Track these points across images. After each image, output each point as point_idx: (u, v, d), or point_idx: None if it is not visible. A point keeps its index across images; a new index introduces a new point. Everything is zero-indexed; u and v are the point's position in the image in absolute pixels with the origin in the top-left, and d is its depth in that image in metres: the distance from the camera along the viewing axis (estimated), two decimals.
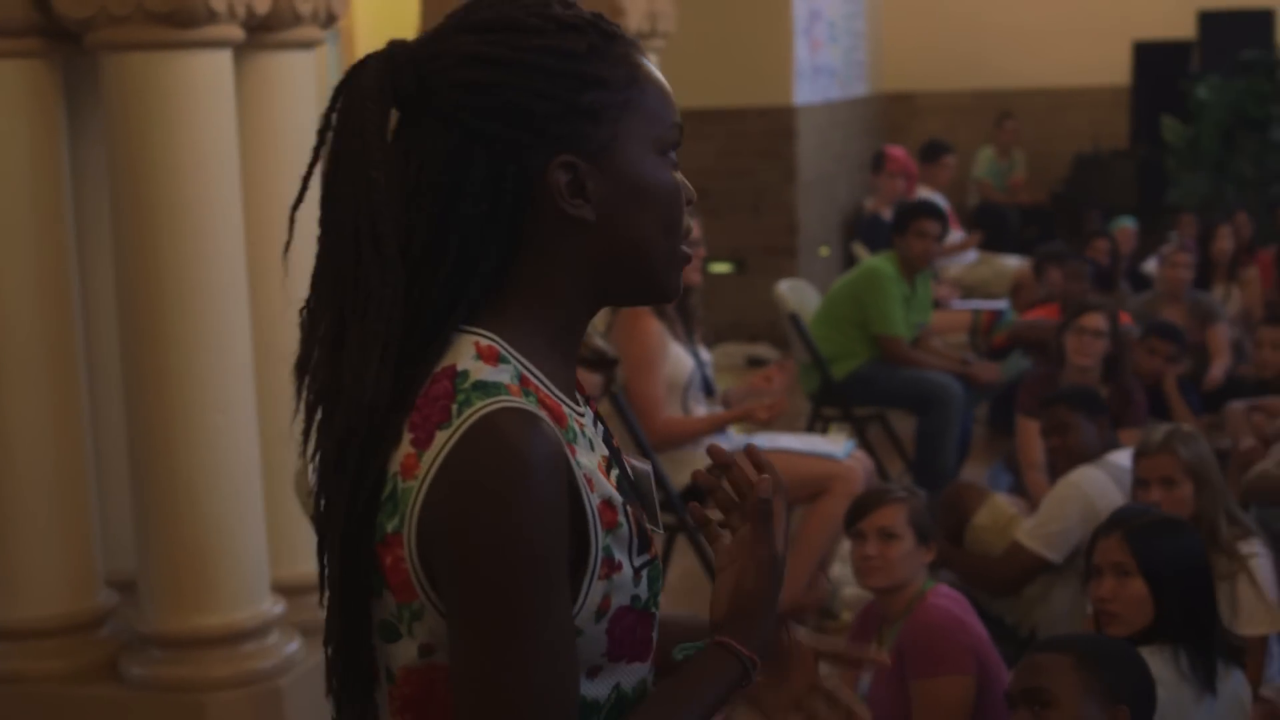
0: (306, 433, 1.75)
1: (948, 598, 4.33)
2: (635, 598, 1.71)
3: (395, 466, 1.63)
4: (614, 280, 1.76)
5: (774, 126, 11.90)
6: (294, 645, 5.02)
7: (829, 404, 7.81)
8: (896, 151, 11.53)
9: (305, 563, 5.25)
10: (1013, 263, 11.16)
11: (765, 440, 6.24)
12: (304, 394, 1.73)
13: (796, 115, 11.96)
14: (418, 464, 1.61)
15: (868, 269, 7.90)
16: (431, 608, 1.63)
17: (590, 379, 4.63)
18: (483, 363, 1.66)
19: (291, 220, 1.78)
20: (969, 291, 10.77)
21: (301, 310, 1.74)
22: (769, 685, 1.90)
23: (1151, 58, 14.26)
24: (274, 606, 4.99)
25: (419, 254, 1.67)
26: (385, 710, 1.72)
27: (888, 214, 10.25)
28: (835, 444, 6.41)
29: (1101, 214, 12.82)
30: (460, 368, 1.65)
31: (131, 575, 5.02)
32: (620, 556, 1.69)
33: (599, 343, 4.74)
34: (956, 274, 11.18)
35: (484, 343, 1.68)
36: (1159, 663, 3.72)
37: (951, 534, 5.67)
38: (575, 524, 1.64)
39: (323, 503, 1.71)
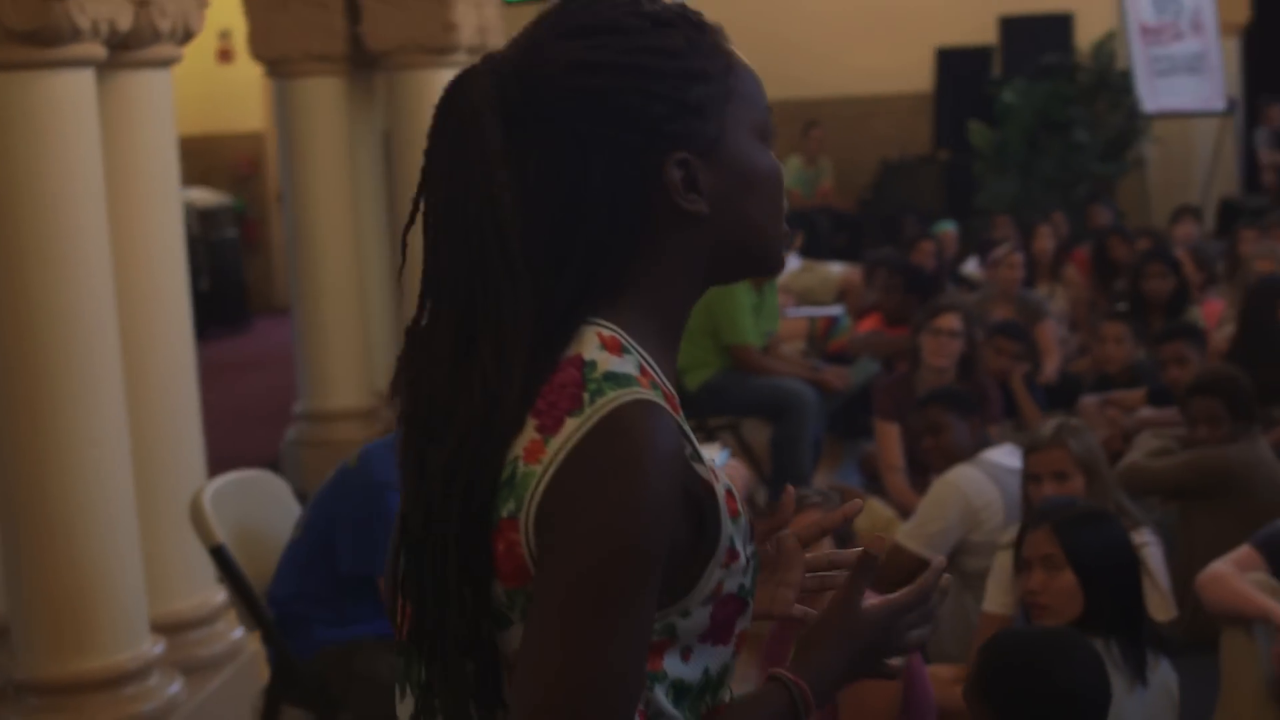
0: (409, 451, 1.72)
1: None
2: (742, 586, 1.73)
3: (517, 451, 1.63)
4: (725, 264, 1.77)
5: None
6: (176, 686, 4.86)
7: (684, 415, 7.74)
8: None
9: (183, 599, 5.07)
10: (836, 269, 11.23)
11: None
12: (412, 409, 1.71)
13: None
14: (544, 449, 1.62)
15: None
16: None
17: None
18: (608, 353, 1.66)
19: (404, 244, 1.76)
20: (798, 299, 10.81)
21: (412, 326, 1.72)
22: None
23: (954, 64, 14.50)
24: (154, 647, 4.82)
25: (540, 261, 1.67)
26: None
27: None
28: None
29: (917, 219, 13.00)
30: (587, 358, 1.65)
31: (3, 620, 4.80)
32: (739, 546, 1.71)
33: None
34: (783, 281, 11.19)
35: (606, 334, 1.68)
36: None
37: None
38: (699, 512, 1.66)
39: (429, 510, 1.68)
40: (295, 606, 4.47)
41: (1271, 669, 4.58)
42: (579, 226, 1.67)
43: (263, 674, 5.10)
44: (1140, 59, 13.18)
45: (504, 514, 1.63)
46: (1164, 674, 4.00)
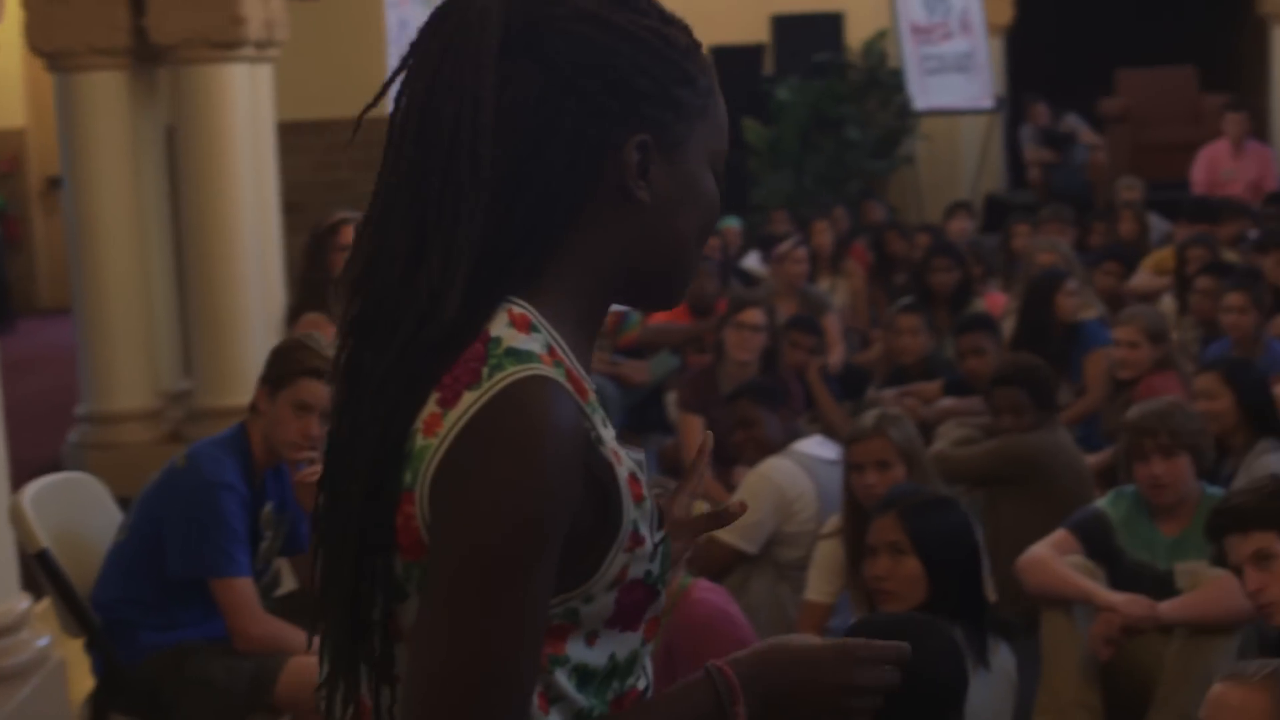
0: (346, 359, 1.71)
1: (710, 591, 4.30)
2: (649, 573, 1.72)
3: (418, 423, 1.63)
4: (639, 274, 1.76)
5: (370, 137, 11.67)
6: None
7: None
8: None
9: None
10: None
11: None
12: (359, 310, 1.69)
13: None
14: (441, 423, 1.62)
15: None
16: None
17: (325, 391, 4.43)
18: (515, 330, 1.65)
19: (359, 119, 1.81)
20: None
21: (364, 226, 1.72)
22: None
23: (725, 61, 14.59)
24: None
25: (495, 188, 1.65)
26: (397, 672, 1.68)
27: None
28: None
29: None
30: (494, 334, 1.65)
31: None
32: (644, 531, 1.70)
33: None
34: None
35: (517, 311, 1.68)
36: None
37: None
38: (603, 496, 1.66)
39: (349, 446, 1.68)
40: (121, 611, 4.34)
41: (1085, 649, 4.71)
42: (535, 165, 1.67)
43: (75, 682, 4.94)
44: (911, 58, 13.45)
45: (402, 486, 1.63)
46: (1004, 657, 4.08)
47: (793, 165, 13.56)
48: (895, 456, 4.96)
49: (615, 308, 6.07)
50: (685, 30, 1.77)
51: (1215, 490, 5.04)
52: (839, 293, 10.20)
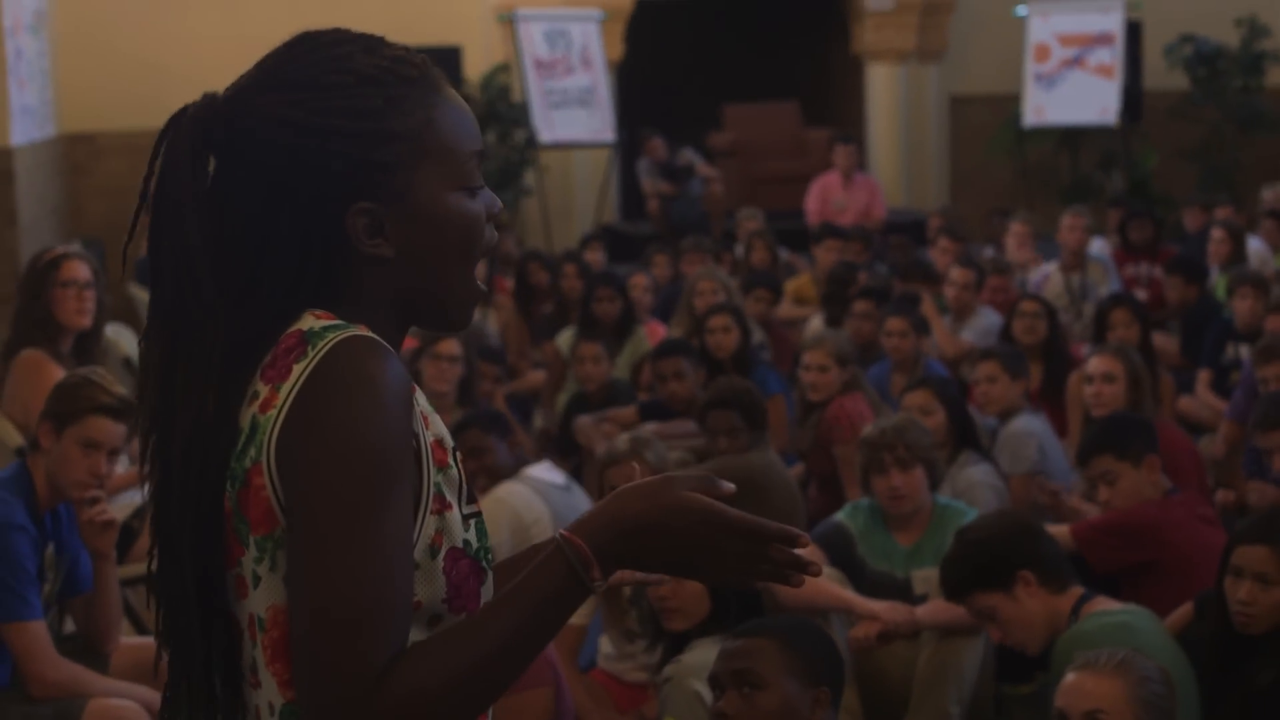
0: (144, 455, 1.86)
1: None
2: (466, 543, 1.83)
3: (253, 410, 1.77)
4: (414, 308, 1.90)
5: None
6: None
7: None
8: None
9: None
10: None
11: None
12: (141, 421, 1.86)
13: (13, 156, 11.43)
14: (276, 395, 1.76)
15: None
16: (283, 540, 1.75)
17: (114, 428, 4.35)
18: (324, 320, 1.82)
19: (124, 257, 1.95)
20: None
21: (140, 343, 1.88)
22: None
23: None
24: None
25: (238, 287, 1.82)
26: (259, 672, 1.79)
27: None
28: None
29: None
30: (306, 328, 1.80)
31: None
32: (450, 498, 1.82)
33: (123, 391, 4.44)
34: None
35: (320, 311, 1.83)
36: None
37: None
38: (416, 454, 1.79)
39: (169, 507, 1.81)
40: None
41: (849, 654, 4.96)
42: (271, 261, 1.82)
43: None
44: (535, 92, 13.69)
45: (248, 464, 1.76)
46: None
47: None
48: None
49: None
50: (390, 75, 1.85)
51: (945, 500, 5.38)
52: (490, 323, 10.33)
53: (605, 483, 5.18)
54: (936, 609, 4.95)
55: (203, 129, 1.82)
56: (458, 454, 1.86)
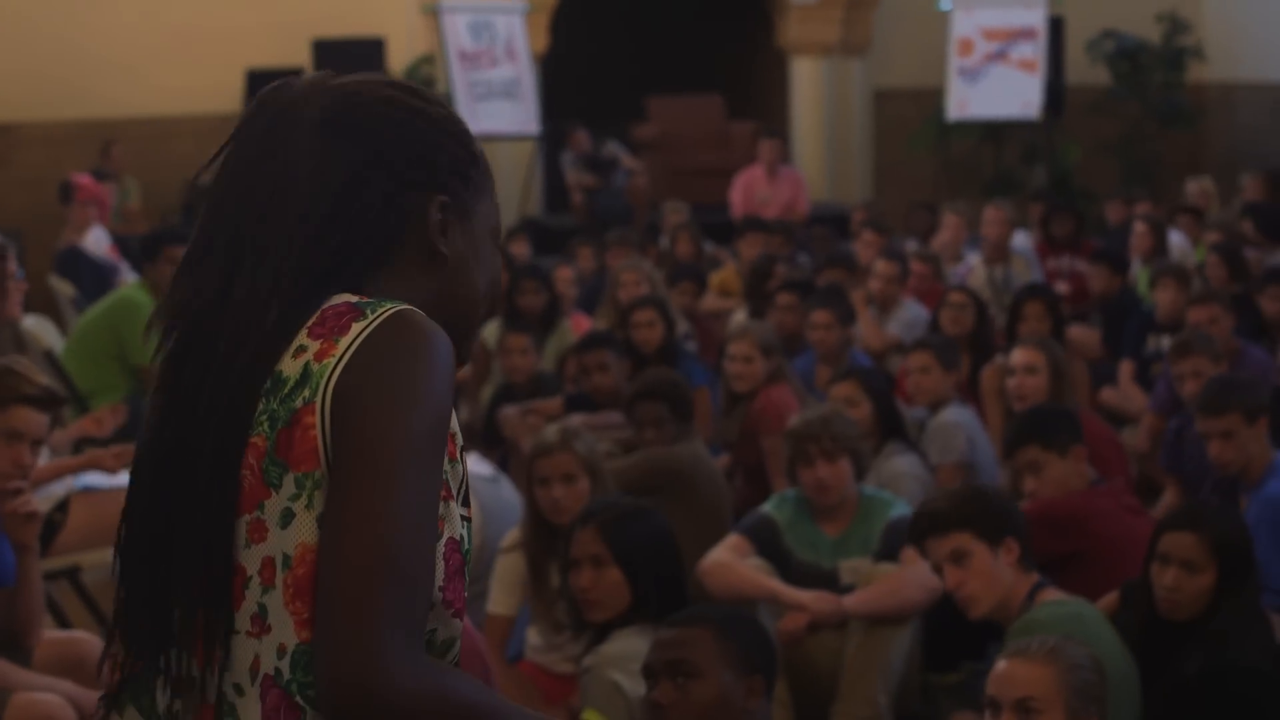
0: (172, 372, 1.90)
1: None
2: (461, 539, 1.90)
3: (303, 360, 1.83)
4: (441, 321, 1.93)
5: None
6: None
7: (92, 442, 7.47)
8: (84, 180, 11.13)
9: None
10: None
11: (98, 479, 5.94)
12: (182, 332, 1.91)
13: None
14: (334, 347, 1.83)
15: (121, 300, 7.65)
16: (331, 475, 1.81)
17: (37, 419, 4.29)
18: (367, 299, 1.90)
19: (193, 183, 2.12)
20: None
21: (183, 266, 1.93)
22: None
23: (263, 85, 14.41)
24: None
25: (312, 232, 1.91)
26: (269, 616, 1.82)
27: (87, 243, 9.93)
28: None
29: None
30: (354, 300, 1.89)
31: None
32: (454, 488, 1.89)
33: (46, 381, 4.38)
34: None
35: (354, 297, 1.91)
36: (640, 642, 3.94)
37: None
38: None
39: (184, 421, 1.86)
40: None
41: (778, 645, 4.97)
42: (345, 219, 1.92)
43: None
44: (460, 83, 13.62)
45: (298, 404, 1.82)
46: None
47: None
48: (580, 469, 5.11)
49: None
50: (465, 125, 2.06)
51: (872, 490, 5.39)
52: None
53: (534, 474, 5.15)
54: (864, 599, 4.96)
55: (319, 92, 1.95)
56: (463, 453, 1.93)
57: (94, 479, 5.98)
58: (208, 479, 1.83)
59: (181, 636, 1.85)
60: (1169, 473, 6.41)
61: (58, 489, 5.70)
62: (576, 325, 9.20)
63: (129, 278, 10.21)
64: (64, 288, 10.17)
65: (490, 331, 8.80)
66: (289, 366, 1.83)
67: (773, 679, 3.55)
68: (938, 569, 4.38)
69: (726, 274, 10.59)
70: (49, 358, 7.41)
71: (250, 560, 1.83)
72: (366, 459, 1.77)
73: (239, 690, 1.83)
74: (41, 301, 10.40)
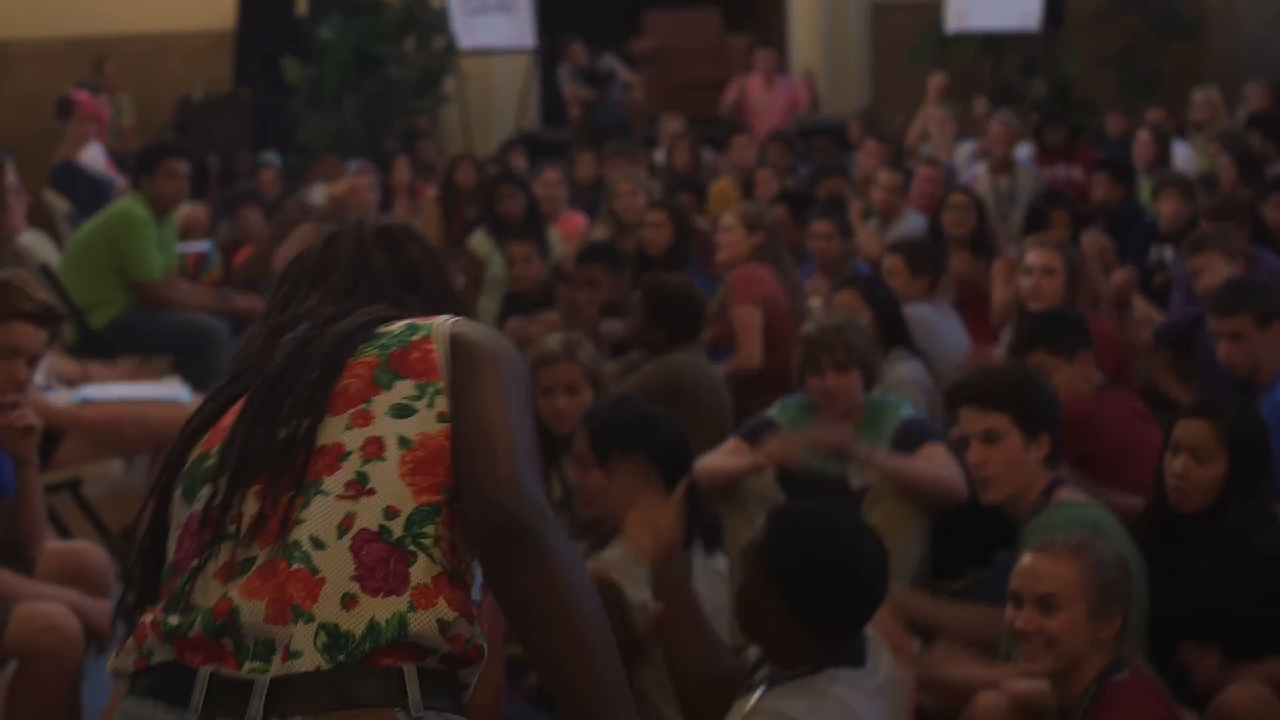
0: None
1: None
2: None
3: (404, 321, 2.33)
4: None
5: None
6: None
7: (90, 355, 7.43)
8: (83, 96, 11.03)
9: None
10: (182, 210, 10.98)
11: (99, 392, 5.90)
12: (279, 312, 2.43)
13: None
14: (434, 317, 2.33)
15: (118, 213, 7.56)
16: (451, 387, 2.22)
17: (34, 334, 4.24)
18: None
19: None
20: None
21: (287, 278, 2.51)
22: None
23: (256, 1, 14.36)
24: None
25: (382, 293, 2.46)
26: (371, 481, 2.14)
27: (84, 159, 9.86)
28: (173, 388, 6.14)
29: (221, 157, 12.94)
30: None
31: None
32: None
33: (45, 296, 4.34)
34: None
35: None
36: None
37: None
38: None
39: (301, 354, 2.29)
40: None
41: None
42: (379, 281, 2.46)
43: None
44: None
45: (414, 336, 2.27)
46: (717, 560, 4.25)
47: (334, 105, 13.46)
48: (583, 380, 5.06)
49: (192, 249, 6.00)
50: None
51: (879, 397, 5.33)
52: (418, 225, 10.21)
53: (538, 384, 5.10)
54: (903, 461, 4.93)
55: (369, 232, 2.51)
56: None
57: (93, 391, 5.94)
58: (313, 382, 2.22)
59: (266, 491, 2.15)
60: (1169, 346, 6.44)
61: (56, 402, 5.66)
62: (569, 223, 9.17)
63: (124, 192, 10.16)
64: (59, 203, 10.09)
65: (478, 240, 8.78)
66: (390, 327, 2.31)
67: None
68: (965, 440, 4.31)
69: (725, 184, 10.52)
70: (45, 273, 7.36)
71: (351, 439, 2.17)
72: (489, 375, 2.22)
73: (317, 543, 2.09)
74: (37, 217, 10.32)
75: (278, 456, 2.16)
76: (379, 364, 2.24)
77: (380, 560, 2.07)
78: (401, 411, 2.19)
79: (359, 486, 2.13)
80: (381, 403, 2.20)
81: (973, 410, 4.23)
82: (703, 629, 3.40)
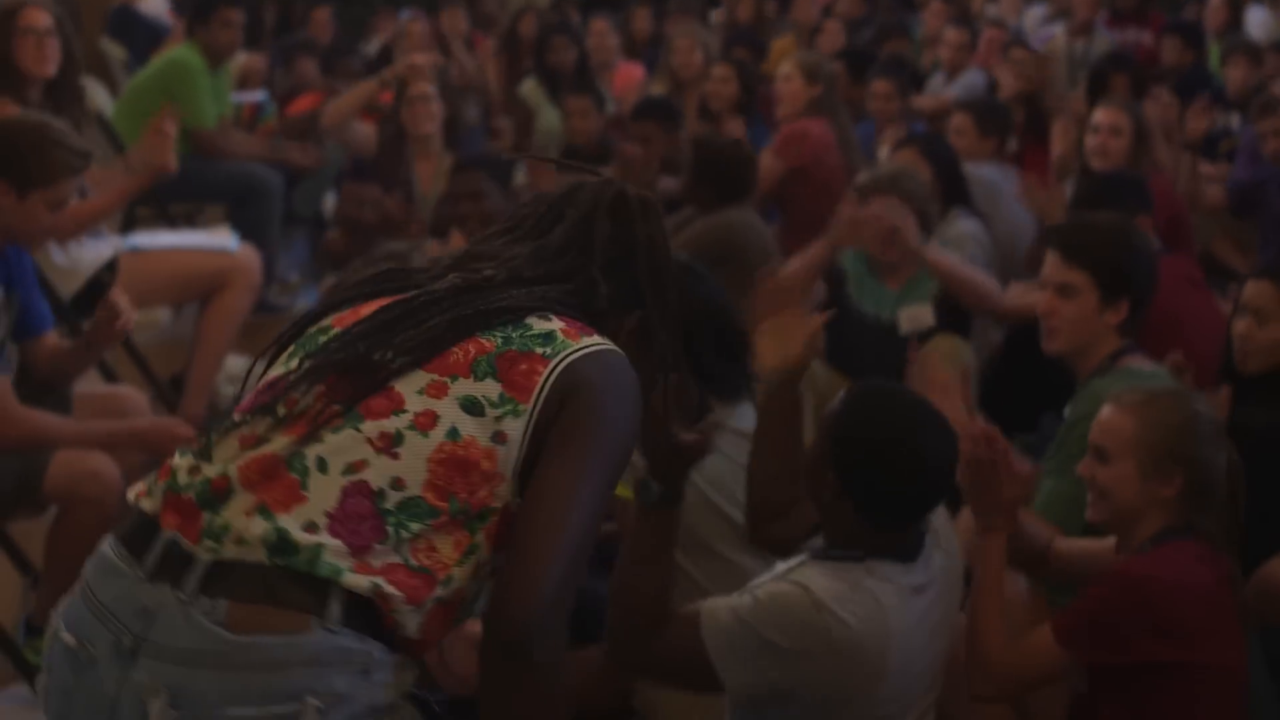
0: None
1: None
2: None
3: (554, 325, 2.25)
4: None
5: None
6: None
7: (141, 202, 7.41)
8: None
9: None
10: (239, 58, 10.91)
11: (146, 240, 5.89)
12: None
13: None
14: (578, 337, 2.24)
15: (173, 61, 7.49)
16: (530, 419, 2.16)
17: (78, 184, 4.28)
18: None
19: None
20: None
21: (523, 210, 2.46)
22: None
23: None
24: None
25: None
26: (407, 447, 2.15)
27: (143, 5, 9.81)
28: (222, 237, 6.12)
29: (306, 3, 12.81)
30: (587, 325, 2.34)
31: None
32: None
33: (80, 142, 4.34)
34: None
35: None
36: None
37: None
38: None
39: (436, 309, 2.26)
40: None
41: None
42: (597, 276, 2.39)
43: None
44: None
45: (539, 351, 2.20)
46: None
47: None
48: None
49: (247, 99, 5.92)
50: None
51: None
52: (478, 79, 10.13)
53: None
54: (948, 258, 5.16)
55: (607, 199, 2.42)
56: None
57: (141, 240, 5.94)
58: (434, 330, 2.21)
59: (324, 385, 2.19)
60: (1239, 216, 6.33)
61: (106, 249, 5.65)
62: (626, 74, 9.08)
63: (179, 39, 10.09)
64: (115, 50, 10.03)
65: (529, 87, 8.71)
66: (536, 323, 2.23)
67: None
68: (1042, 286, 4.21)
69: (786, 41, 10.37)
70: (99, 120, 7.33)
71: (415, 401, 2.16)
72: (578, 440, 2.14)
73: (322, 465, 2.12)
74: (94, 64, 10.28)
75: (358, 374, 2.17)
76: (490, 353, 2.20)
77: (359, 516, 2.09)
78: (472, 407, 2.16)
79: (390, 443, 2.13)
80: (462, 388, 2.17)
81: (1057, 258, 4.10)
82: (797, 446, 3.33)
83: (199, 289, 5.85)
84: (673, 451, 2.72)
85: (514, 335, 2.21)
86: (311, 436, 2.13)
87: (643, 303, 2.37)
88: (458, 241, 5.98)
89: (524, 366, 2.18)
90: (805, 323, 3.41)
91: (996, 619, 3.22)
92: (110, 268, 5.62)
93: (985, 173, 6.55)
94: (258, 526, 2.07)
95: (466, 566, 2.13)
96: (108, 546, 2.17)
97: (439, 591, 2.11)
